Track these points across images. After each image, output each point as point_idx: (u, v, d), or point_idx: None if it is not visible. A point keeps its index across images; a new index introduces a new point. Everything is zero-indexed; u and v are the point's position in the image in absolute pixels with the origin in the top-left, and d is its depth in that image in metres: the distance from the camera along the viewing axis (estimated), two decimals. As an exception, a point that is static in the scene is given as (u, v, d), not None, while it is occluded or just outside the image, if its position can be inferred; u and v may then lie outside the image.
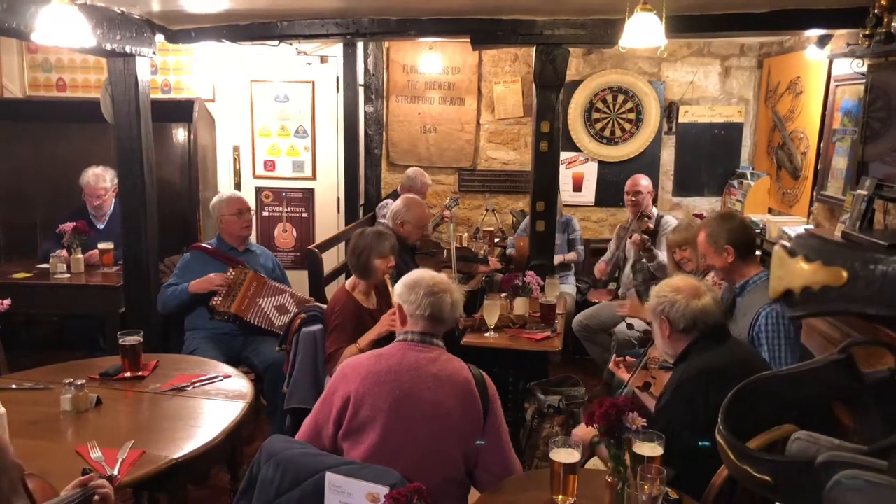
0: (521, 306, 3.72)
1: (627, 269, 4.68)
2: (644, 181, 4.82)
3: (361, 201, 6.12)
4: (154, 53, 4.04)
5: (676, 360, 2.43)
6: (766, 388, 1.45)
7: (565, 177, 6.04)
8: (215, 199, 4.06)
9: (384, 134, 6.34)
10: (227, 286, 3.75)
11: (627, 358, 3.06)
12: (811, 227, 4.38)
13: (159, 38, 4.14)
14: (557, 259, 4.91)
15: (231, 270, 3.80)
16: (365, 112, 6.11)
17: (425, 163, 6.24)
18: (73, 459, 2.14)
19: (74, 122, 5.28)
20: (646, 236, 4.40)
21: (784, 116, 5.13)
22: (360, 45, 5.86)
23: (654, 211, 4.81)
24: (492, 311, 3.51)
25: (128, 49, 3.73)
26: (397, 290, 2.35)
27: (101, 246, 4.45)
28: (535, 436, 3.43)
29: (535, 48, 4.23)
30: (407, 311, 2.27)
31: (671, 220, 4.68)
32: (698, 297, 2.35)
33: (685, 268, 3.63)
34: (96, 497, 1.62)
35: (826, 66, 4.40)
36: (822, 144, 4.45)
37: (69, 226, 4.38)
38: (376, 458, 2.08)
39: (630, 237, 4.58)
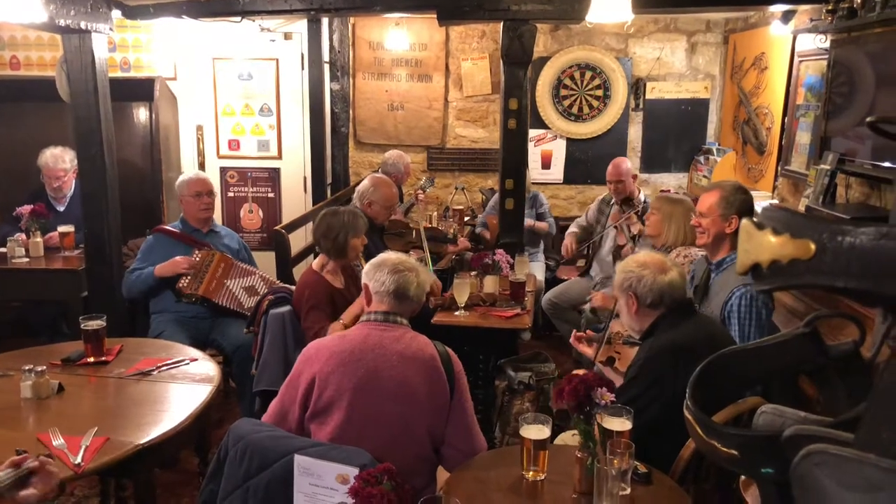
0: (491, 284, 3.72)
1: (605, 250, 4.65)
2: (625, 165, 4.61)
3: (329, 181, 6.05)
4: (111, 30, 3.92)
5: (643, 336, 2.44)
6: (733, 362, 1.46)
7: (534, 154, 6.04)
8: (179, 178, 3.99)
9: (351, 112, 6.26)
10: (194, 269, 3.69)
11: (588, 332, 3.07)
12: (776, 201, 4.43)
13: (116, 13, 4.01)
14: (527, 223, 4.78)
15: (197, 253, 3.74)
16: (331, 90, 6.02)
17: (393, 141, 6.19)
18: (35, 447, 2.09)
19: (29, 101, 5.11)
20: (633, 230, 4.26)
21: (749, 92, 5.17)
22: (325, 21, 5.75)
23: (642, 197, 4.61)
24: (462, 290, 3.51)
25: (83, 25, 3.60)
26: (365, 271, 2.35)
27: (62, 229, 4.33)
28: (507, 412, 3.45)
29: (502, 24, 4.18)
30: (372, 289, 2.29)
31: None
32: (664, 272, 2.37)
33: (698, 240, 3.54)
34: (31, 471, 1.60)
35: (790, 42, 4.43)
36: (786, 120, 4.50)
37: (27, 209, 4.26)
38: (342, 438, 2.07)
39: (616, 227, 4.48)
